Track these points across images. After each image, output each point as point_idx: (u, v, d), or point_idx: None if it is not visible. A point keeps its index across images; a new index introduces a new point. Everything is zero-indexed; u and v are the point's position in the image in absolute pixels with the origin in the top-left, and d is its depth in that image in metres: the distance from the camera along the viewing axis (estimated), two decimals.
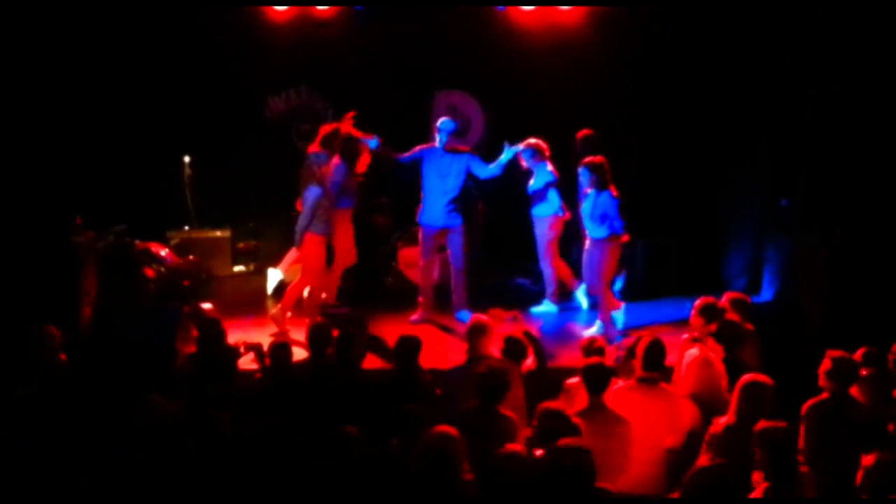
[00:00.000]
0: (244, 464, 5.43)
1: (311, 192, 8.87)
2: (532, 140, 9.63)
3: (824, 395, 6.06)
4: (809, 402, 6.05)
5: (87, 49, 9.97)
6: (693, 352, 6.77)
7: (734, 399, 5.83)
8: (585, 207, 8.93)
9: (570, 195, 9.77)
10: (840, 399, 6.03)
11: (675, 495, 5.29)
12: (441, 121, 9.48)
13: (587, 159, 8.92)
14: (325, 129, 9.51)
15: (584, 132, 10.06)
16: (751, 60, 10.30)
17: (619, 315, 9.11)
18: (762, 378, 5.86)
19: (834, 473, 5.59)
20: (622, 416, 6.06)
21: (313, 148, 9.45)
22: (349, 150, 9.22)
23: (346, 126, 9.35)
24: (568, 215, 9.72)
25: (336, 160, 9.22)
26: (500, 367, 6.26)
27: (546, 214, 9.70)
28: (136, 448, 5.36)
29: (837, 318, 8.51)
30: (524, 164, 9.63)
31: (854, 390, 6.19)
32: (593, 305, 9.60)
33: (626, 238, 8.90)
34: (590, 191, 8.86)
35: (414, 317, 9.59)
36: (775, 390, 5.82)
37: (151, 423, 5.41)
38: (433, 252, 9.65)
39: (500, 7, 10.97)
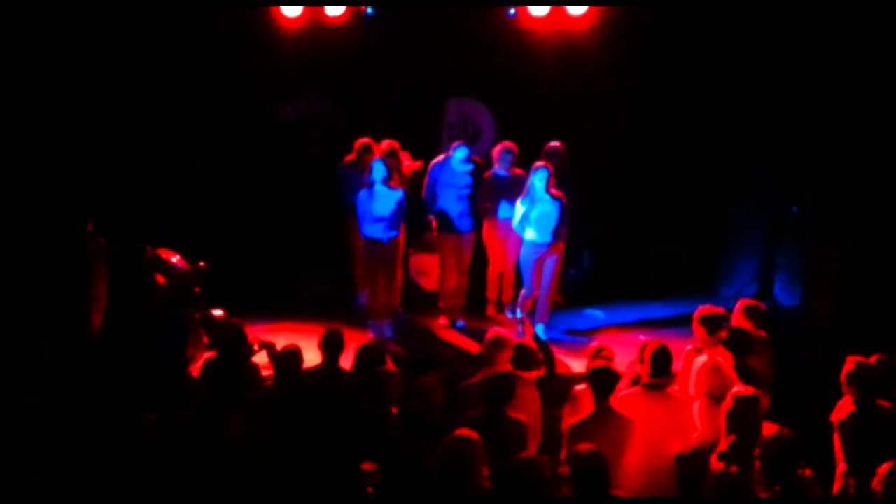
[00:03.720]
0: (256, 470, 5.44)
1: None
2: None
3: (852, 408, 5.98)
4: (839, 417, 5.98)
5: (97, 55, 9.99)
6: (702, 358, 6.74)
7: (722, 419, 5.80)
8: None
9: None
10: (867, 406, 5.96)
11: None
12: (457, 148, 9.57)
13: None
14: (360, 142, 9.85)
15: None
16: (761, 66, 10.28)
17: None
18: (745, 392, 5.84)
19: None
20: (629, 418, 6.04)
21: (350, 158, 9.82)
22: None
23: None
24: None
25: None
26: (508, 373, 6.23)
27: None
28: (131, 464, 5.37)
29: (849, 325, 8.48)
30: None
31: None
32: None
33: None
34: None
35: (460, 322, 9.79)
36: (758, 401, 5.81)
37: (143, 443, 5.43)
38: (450, 257, 9.73)
39: (511, 13, 10.95)
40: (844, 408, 6.09)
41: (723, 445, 5.71)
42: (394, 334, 9.27)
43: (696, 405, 6.44)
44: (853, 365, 6.04)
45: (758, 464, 5.26)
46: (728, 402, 5.80)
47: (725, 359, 6.73)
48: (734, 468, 5.07)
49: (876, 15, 9.08)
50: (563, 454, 5.85)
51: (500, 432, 5.78)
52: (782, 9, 9.81)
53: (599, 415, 6.01)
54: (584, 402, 6.37)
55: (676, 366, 6.94)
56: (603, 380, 6.11)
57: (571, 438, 5.79)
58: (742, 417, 5.71)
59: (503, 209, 9.55)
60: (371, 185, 8.99)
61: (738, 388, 5.93)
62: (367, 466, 5.58)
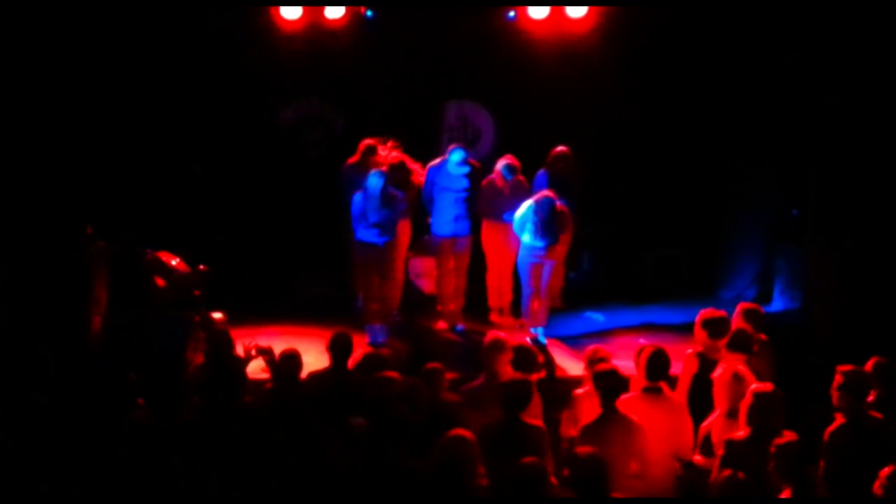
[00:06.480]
0: (255, 474, 5.44)
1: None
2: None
3: (841, 420, 5.95)
4: (829, 430, 5.93)
5: (96, 58, 9.99)
6: (720, 371, 6.68)
7: (743, 412, 5.80)
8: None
9: None
10: (857, 417, 5.90)
11: None
12: (453, 151, 9.54)
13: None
14: (364, 143, 9.81)
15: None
16: (761, 69, 10.29)
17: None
18: (770, 388, 5.83)
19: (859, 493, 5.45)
20: (636, 421, 6.03)
21: (353, 159, 9.78)
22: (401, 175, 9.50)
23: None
24: None
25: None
26: (523, 379, 6.23)
27: None
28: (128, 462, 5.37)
29: (848, 328, 8.47)
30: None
31: None
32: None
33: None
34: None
35: (459, 326, 9.77)
36: (783, 399, 5.80)
37: (137, 439, 5.41)
38: (448, 260, 9.71)
39: (511, 15, 10.96)
40: (835, 419, 6.03)
41: (739, 436, 5.72)
42: (389, 337, 9.23)
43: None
44: (842, 376, 5.97)
45: (771, 465, 5.24)
46: (747, 397, 5.80)
47: (734, 361, 6.69)
48: (741, 474, 5.06)
49: (876, 16, 9.08)
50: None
51: (517, 439, 5.77)
52: (782, 12, 9.81)
53: (608, 418, 6.00)
54: (583, 405, 6.37)
55: (676, 369, 6.95)
56: (611, 383, 6.08)
57: (581, 441, 5.78)
58: (758, 412, 5.69)
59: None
60: (366, 190, 9.00)
61: (757, 385, 5.90)
62: None
